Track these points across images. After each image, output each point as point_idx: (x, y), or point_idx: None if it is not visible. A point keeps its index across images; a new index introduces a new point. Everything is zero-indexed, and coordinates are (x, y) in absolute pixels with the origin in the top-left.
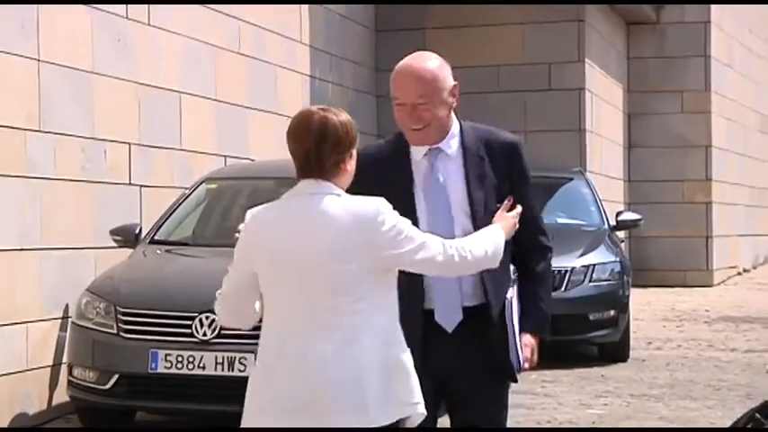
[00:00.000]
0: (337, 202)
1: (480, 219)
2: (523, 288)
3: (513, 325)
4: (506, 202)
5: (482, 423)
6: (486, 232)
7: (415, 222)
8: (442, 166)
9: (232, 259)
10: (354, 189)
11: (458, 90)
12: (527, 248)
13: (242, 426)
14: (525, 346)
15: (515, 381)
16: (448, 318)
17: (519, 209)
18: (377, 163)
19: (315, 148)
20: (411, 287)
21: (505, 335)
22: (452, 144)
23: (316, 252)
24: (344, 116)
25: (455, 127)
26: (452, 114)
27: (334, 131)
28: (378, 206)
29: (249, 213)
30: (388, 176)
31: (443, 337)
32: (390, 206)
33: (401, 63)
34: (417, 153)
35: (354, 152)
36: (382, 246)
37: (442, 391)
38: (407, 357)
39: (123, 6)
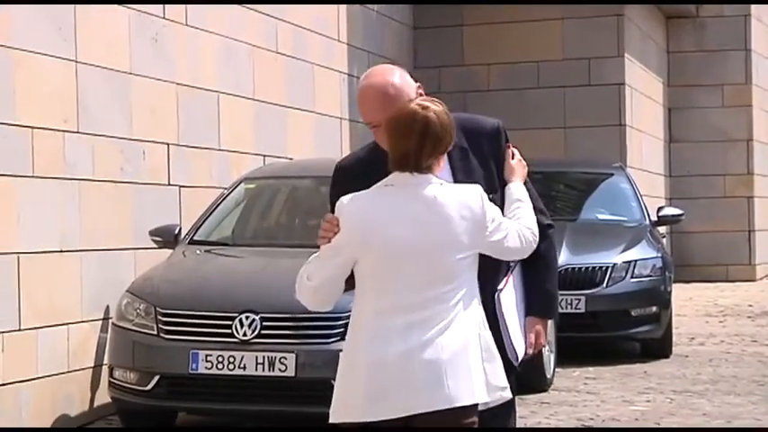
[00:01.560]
0: (443, 191)
1: None
2: (527, 270)
3: (505, 321)
4: (507, 152)
5: (488, 417)
6: (518, 196)
7: None
8: None
9: (271, 258)
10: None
11: (423, 89)
12: None
13: (350, 409)
14: (530, 331)
15: (515, 369)
16: None
17: (517, 152)
18: (356, 175)
19: (416, 149)
20: None
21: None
22: None
23: (434, 243)
24: (444, 115)
25: None
26: None
27: (434, 134)
28: (480, 193)
29: (344, 203)
30: (372, 182)
31: None
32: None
33: (362, 84)
34: None
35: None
36: (487, 234)
37: None
38: (493, 341)
39: (160, 6)
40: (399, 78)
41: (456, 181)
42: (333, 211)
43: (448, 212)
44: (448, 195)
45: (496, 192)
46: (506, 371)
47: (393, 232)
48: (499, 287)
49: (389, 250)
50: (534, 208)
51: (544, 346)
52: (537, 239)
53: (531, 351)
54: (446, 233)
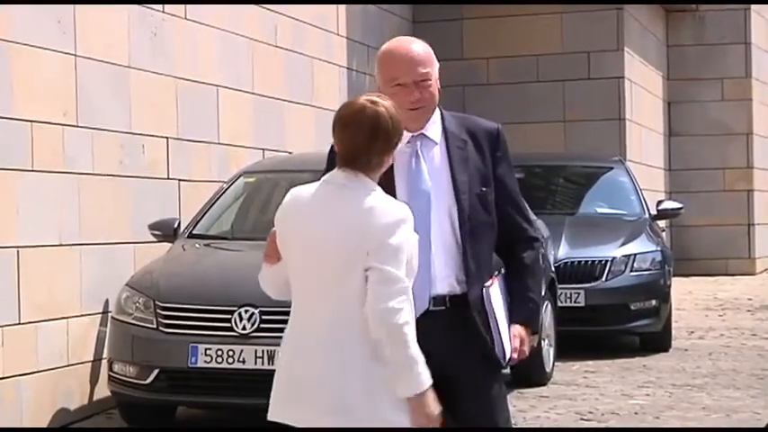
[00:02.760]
0: (372, 199)
1: (465, 202)
2: (512, 280)
3: (494, 314)
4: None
5: (481, 415)
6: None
7: None
8: (425, 152)
9: None
10: None
11: (440, 73)
12: (513, 240)
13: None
14: (514, 336)
15: (503, 368)
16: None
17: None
18: None
19: (365, 145)
20: None
21: (489, 325)
22: (434, 129)
23: (341, 251)
24: (393, 110)
25: (436, 114)
26: None
27: (385, 129)
28: (403, 216)
29: (289, 193)
30: None
31: (425, 328)
32: (411, 222)
33: (392, 45)
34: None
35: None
36: (373, 253)
37: (435, 385)
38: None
39: (160, 4)
40: (428, 46)
41: (452, 170)
42: None
43: (362, 222)
44: (374, 202)
45: (489, 186)
46: (495, 374)
47: (308, 232)
48: (486, 284)
49: (302, 252)
50: (522, 219)
51: (526, 356)
52: (394, 338)
53: (515, 356)
54: (354, 245)
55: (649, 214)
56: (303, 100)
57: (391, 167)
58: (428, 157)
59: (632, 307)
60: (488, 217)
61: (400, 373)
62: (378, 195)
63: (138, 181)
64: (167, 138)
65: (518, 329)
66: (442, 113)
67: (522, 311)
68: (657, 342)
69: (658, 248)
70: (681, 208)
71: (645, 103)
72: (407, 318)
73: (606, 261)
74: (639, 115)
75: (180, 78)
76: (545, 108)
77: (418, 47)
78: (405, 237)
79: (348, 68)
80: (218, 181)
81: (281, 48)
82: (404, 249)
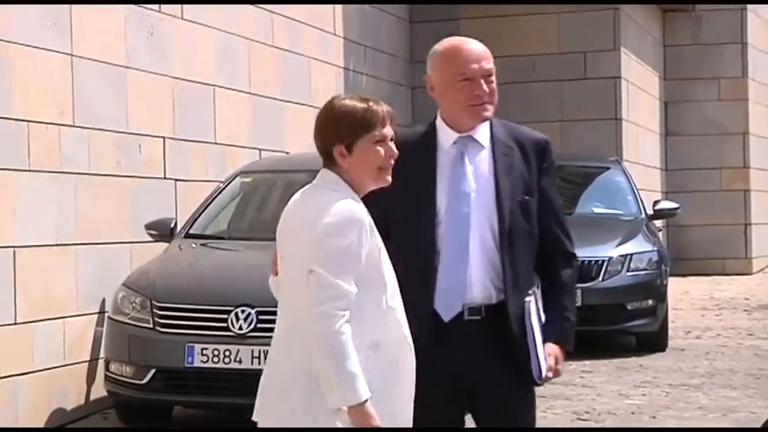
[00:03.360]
0: (325, 199)
1: (507, 209)
2: (548, 297)
3: (533, 331)
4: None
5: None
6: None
7: (433, 212)
8: (470, 155)
9: (267, 252)
10: None
11: None
12: (551, 254)
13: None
14: (549, 355)
15: (537, 385)
16: (446, 306)
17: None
18: (402, 152)
19: (319, 138)
20: (418, 279)
21: (525, 339)
22: (482, 132)
23: (292, 252)
24: (343, 102)
25: None
26: None
27: (333, 116)
28: (350, 217)
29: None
30: (412, 163)
31: (460, 336)
32: (363, 226)
33: (453, 43)
34: (446, 141)
35: (364, 143)
36: (313, 254)
37: (466, 397)
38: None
39: (156, 3)
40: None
41: (496, 175)
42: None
43: (310, 223)
44: (321, 204)
45: (532, 195)
46: (527, 390)
47: (280, 237)
48: (527, 299)
49: (280, 257)
50: (561, 234)
51: (560, 375)
52: (318, 329)
53: (550, 375)
54: (304, 247)
55: (646, 214)
56: (300, 100)
57: (434, 167)
58: (473, 160)
59: (629, 307)
60: (529, 226)
61: (330, 382)
62: (332, 195)
63: (135, 181)
64: (164, 137)
65: (553, 348)
66: (490, 119)
67: (557, 330)
68: (654, 342)
69: (655, 248)
70: (677, 208)
71: (641, 103)
72: (340, 326)
73: (603, 261)
74: (636, 115)
75: (177, 78)
76: (542, 108)
77: (480, 45)
78: (350, 240)
79: (345, 68)
80: (214, 181)
81: (277, 48)
82: (348, 254)
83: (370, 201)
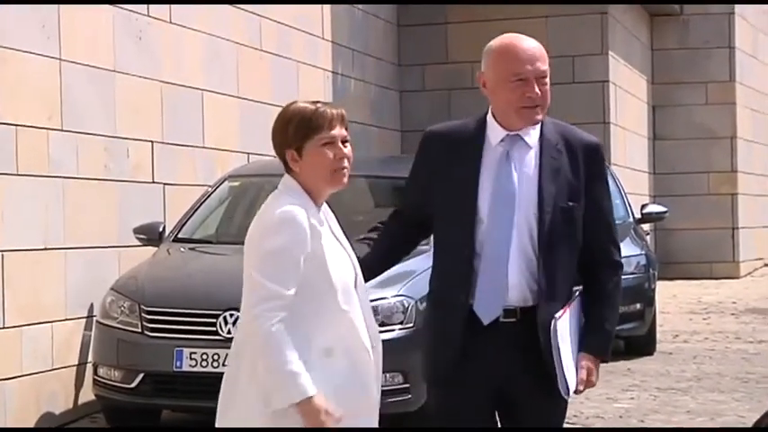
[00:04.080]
0: (269, 202)
1: (548, 214)
2: (589, 306)
3: (558, 350)
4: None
5: None
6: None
7: (474, 209)
8: (517, 155)
9: None
10: (422, 168)
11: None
12: (597, 262)
13: None
14: (581, 367)
15: (565, 401)
16: (486, 308)
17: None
18: (448, 142)
19: (273, 143)
20: (455, 278)
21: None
22: (532, 133)
23: (245, 255)
24: (289, 110)
25: None
26: None
27: (280, 121)
28: (287, 219)
29: None
30: (457, 158)
31: (494, 339)
32: (299, 228)
33: (508, 41)
34: (494, 138)
35: (313, 146)
36: (248, 261)
37: (497, 399)
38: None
39: (144, 5)
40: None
41: (540, 178)
42: (410, 181)
43: (252, 227)
44: (263, 209)
45: (578, 201)
46: (557, 401)
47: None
48: (557, 315)
49: None
50: (609, 241)
51: (594, 386)
52: (263, 346)
53: (581, 388)
54: (246, 251)
55: (634, 218)
56: (287, 103)
57: (478, 165)
58: (519, 161)
59: None
60: (571, 233)
61: (273, 383)
62: (280, 200)
63: (123, 185)
64: (152, 141)
65: (587, 360)
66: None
67: (594, 342)
68: (642, 345)
69: (642, 252)
70: (665, 212)
71: (629, 107)
72: (273, 326)
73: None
74: (624, 119)
75: (165, 82)
76: None
77: (536, 43)
78: (283, 242)
79: (333, 72)
80: (203, 185)
81: (265, 51)
82: (281, 256)
83: (406, 188)
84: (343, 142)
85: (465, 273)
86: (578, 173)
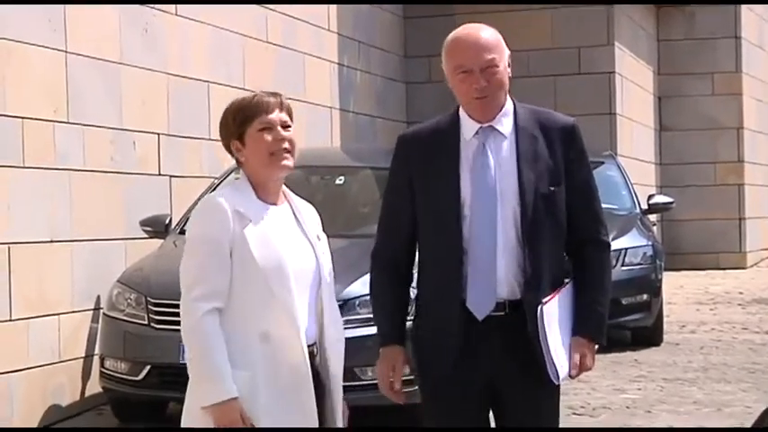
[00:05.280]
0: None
1: (530, 201)
2: (579, 288)
3: (545, 336)
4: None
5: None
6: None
7: (458, 205)
8: (493, 146)
9: None
10: (400, 170)
11: (511, 60)
12: (583, 241)
13: None
14: (574, 351)
15: (557, 387)
16: (479, 304)
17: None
18: (423, 143)
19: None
20: (447, 275)
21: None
22: (505, 122)
23: None
24: (235, 103)
25: (508, 105)
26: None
27: (223, 115)
28: (206, 207)
29: None
30: (434, 156)
31: (484, 333)
32: (221, 215)
33: (459, 33)
34: (467, 132)
35: (252, 132)
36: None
37: (491, 396)
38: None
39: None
40: (497, 33)
41: (519, 167)
42: (390, 196)
43: None
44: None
45: (559, 185)
46: (548, 389)
47: None
48: (544, 300)
49: None
50: (595, 219)
51: (590, 369)
52: (185, 330)
53: (573, 372)
54: None
55: (640, 209)
56: (294, 96)
57: (457, 160)
58: (496, 151)
59: (623, 302)
60: (554, 219)
61: (194, 379)
62: (214, 192)
63: (130, 177)
64: (158, 134)
65: (580, 343)
66: (515, 105)
67: (586, 324)
68: (649, 336)
69: (649, 243)
70: (672, 202)
71: (635, 98)
72: (198, 319)
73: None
74: (630, 110)
75: (171, 74)
76: (536, 103)
77: (486, 33)
78: (204, 229)
79: (339, 64)
80: (209, 177)
81: (272, 44)
82: (203, 244)
83: (393, 191)
84: (284, 127)
85: (456, 269)
86: (556, 156)
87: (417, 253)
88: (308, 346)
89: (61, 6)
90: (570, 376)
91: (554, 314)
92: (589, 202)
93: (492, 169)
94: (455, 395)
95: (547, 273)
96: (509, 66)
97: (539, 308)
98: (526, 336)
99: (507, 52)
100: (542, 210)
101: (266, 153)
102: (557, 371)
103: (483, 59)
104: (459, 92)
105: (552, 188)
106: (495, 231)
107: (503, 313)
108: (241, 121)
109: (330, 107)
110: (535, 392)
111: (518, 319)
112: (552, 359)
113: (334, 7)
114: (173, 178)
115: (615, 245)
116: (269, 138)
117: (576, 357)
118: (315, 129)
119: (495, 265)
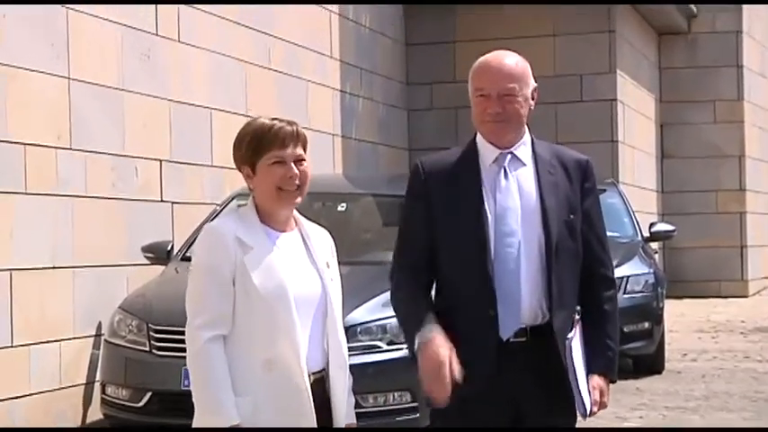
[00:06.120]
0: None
1: (553, 227)
2: (590, 326)
3: (574, 368)
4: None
5: None
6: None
7: (483, 229)
8: (513, 171)
9: None
10: (419, 196)
11: (537, 94)
12: (591, 276)
13: None
14: (593, 388)
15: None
16: (506, 324)
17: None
18: (443, 169)
19: (234, 158)
20: (478, 295)
21: (567, 369)
22: (524, 150)
23: None
24: (250, 123)
25: (527, 137)
26: (526, 125)
27: (239, 135)
28: (207, 234)
29: None
30: (456, 181)
31: (510, 356)
32: (222, 241)
33: (486, 56)
34: (487, 158)
35: (264, 163)
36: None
37: (513, 416)
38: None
39: (153, 23)
40: (525, 63)
41: (541, 192)
42: (409, 223)
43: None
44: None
45: (577, 215)
46: (570, 421)
47: None
48: (569, 335)
49: None
50: (604, 256)
51: (606, 407)
52: (190, 356)
53: (596, 409)
54: None
55: (642, 236)
56: (297, 122)
57: (480, 184)
58: (517, 177)
59: (625, 329)
60: (575, 245)
61: (197, 404)
62: (217, 219)
63: (131, 203)
64: (160, 160)
65: (597, 381)
66: (532, 138)
67: (601, 361)
68: (650, 364)
69: (651, 270)
70: (673, 230)
71: (637, 126)
72: (201, 346)
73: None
74: (632, 137)
75: (173, 101)
76: (537, 130)
77: (511, 60)
78: (205, 257)
79: (342, 91)
80: (211, 203)
81: (274, 70)
82: (205, 272)
83: (411, 217)
84: (297, 161)
85: (487, 289)
86: (573, 187)
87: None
88: (316, 373)
89: (64, 32)
90: (591, 413)
91: (578, 349)
92: (600, 239)
93: (514, 192)
94: (486, 413)
95: (568, 299)
96: (533, 98)
97: (567, 343)
98: (550, 363)
99: (533, 84)
100: (565, 235)
101: (275, 187)
102: (584, 406)
103: (502, 86)
104: (474, 114)
105: (572, 216)
106: (518, 255)
107: (524, 339)
108: (254, 150)
109: (332, 134)
110: (560, 423)
111: (541, 346)
112: (581, 394)
113: (336, 33)
114: (174, 204)
115: (617, 272)
116: (280, 172)
117: (597, 394)
118: (317, 155)
119: (519, 289)
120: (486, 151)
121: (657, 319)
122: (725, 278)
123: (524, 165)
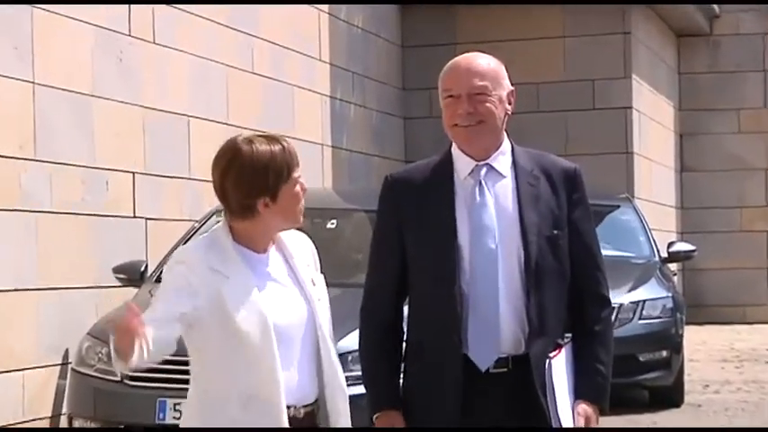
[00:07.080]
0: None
1: (533, 244)
2: (580, 348)
3: (553, 393)
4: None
5: None
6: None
7: (455, 250)
8: (490, 185)
9: None
10: (389, 215)
11: (514, 98)
12: (583, 297)
13: None
14: (578, 414)
15: None
16: (481, 354)
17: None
18: (413, 184)
19: (219, 184)
20: (446, 323)
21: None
22: (502, 161)
23: None
24: (262, 155)
25: (506, 145)
26: (504, 131)
27: (239, 168)
28: (175, 258)
29: None
30: (427, 198)
31: (484, 390)
32: (188, 264)
33: (455, 59)
34: (462, 170)
35: (288, 188)
36: None
37: None
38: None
39: (125, 23)
40: (499, 65)
41: (520, 208)
42: (379, 246)
43: None
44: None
45: (562, 229)
46: None
47: None
48: (551, 354)
49: None
50: (595, 275)
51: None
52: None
53: None
54: None
55: (659, 257)
56: (282, 131)
57: (452, 201)
58: (494, 191)
59: (641, 358)
60: (558, 265)
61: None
62: (188, 244)
63: (102, 220)
64: (133, 172)
65: (583, 408)
66: (513, 146)
67: (589, 387)
68: (668, 396)
69: (669, 294)
70: (694, 250)
71: (654, 136)
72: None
73: (613, 308)
74: (648, 149)
75: (147, 107)
76: (545, 141)
77: (482, 60)
78: (172, 276)
79: (331, 97)
80: (189, 220)
81: (257, 74)
82: (168, 285)
83: (380, 239)
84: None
85: (456, 317)
86: (559, 199)
87: (408, 301)
88: (306, 406)
89: (29, 33)
90: None
91: (561, 369)
92: (590, 252)
93: (491, 209)
94: None
95: (552, 323)
96: (509, 102)
97: (547, 362)
98: (530, 392)
99: (508, 86)
100: (547, 253)
101: (297, 209)
102: (560, 421)
103: (472, 85)
104: (444, 118)
105: (555, 231)
106: (496, 277)
107: (506, 369)
108: (278, 175)
109: (321, 144)
110: None
111: (522, 376)
112: (557, 414)
113: (325, 35)
114: (149, 221)
115: (632, 296)
116: (300, 192)
117: (581, 421)
118: (304, 168)
119: (497, 315)
120: (461, 163)
121: (676, 347)
122: (750, 302)
123: (503, 177)
